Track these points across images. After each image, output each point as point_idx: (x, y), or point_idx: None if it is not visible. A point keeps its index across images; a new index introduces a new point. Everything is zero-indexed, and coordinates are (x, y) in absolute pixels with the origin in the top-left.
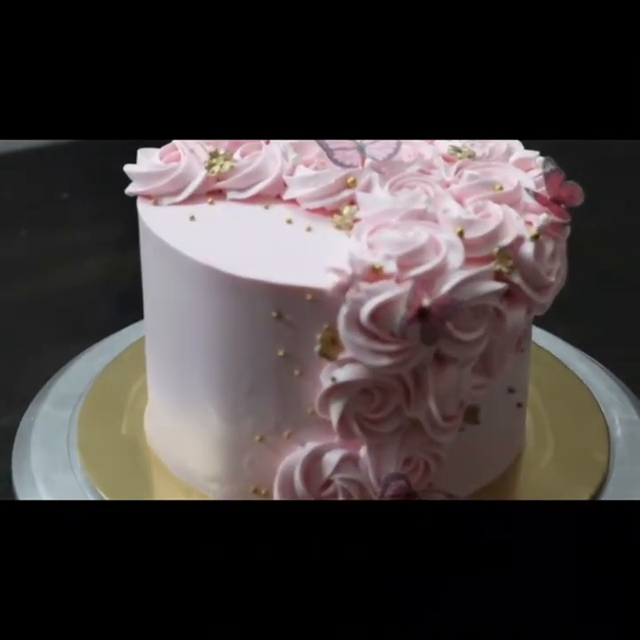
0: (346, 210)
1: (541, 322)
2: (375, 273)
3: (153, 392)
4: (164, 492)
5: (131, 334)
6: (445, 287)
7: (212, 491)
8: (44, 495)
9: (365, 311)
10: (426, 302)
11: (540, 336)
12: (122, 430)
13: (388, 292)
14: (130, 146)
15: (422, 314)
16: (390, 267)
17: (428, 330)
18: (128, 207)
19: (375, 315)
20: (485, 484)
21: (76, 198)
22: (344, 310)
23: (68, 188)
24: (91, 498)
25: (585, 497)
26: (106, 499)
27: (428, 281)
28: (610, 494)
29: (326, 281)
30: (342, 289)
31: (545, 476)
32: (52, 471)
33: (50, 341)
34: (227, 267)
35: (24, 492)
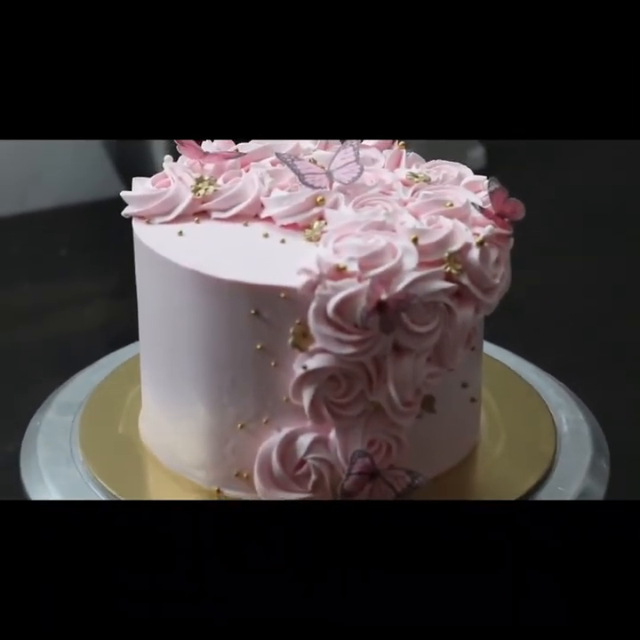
0: (316, 224)
1: (498, 339)
2: (339, 272)
3: (147, 394)
4: (155, 480)
5: (127, 353)
6: (401, 285)
7: (198, 477)
8: (50, 486)
9: (331, 305)
10: (384, 296)
11: (494, 351)
12: (119, 430)
13: (350, 288)
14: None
15: (380, 306)
16: (353, 267)
17: (386, 321)
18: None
19: (340, 308)
20: (444, 470)
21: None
22: (313, 305)
23: (66, 246)
24: (92, 487)
25: (532, 482)
26: (106, 487)
27: (385, 280)
28: (554, 481)
29: (297, 280)
30: (311, 287)
31: (498, 465)
32: (56, 465)
33: (51, 376)
34: (210, 271)
35: (31, 484)
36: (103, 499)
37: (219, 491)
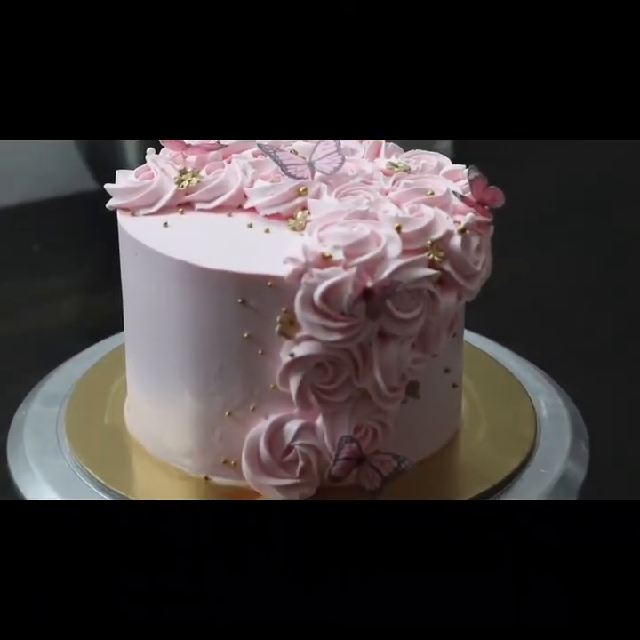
0: (299, 214)
1: (474, 326)
2: (325, 260)
3: (133, 384)
4: (143, 469)
5: (108, 344)
6: (386, 272)
7: (186, 465)
8: (38, 476)
9: (318, 293)
10: (369, 284)
11: (475, 339)
12: (104, 420)
13: (336, 276)
14: (102, 197)
15: (366, 293)
16: (338, 255)
17: (372, 307)
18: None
19: (326, 296)
20: (428, 455)
21: (46, 250)
22: (300, 293)
23: (38, 241)
24: (80, 477)
25: (514, 465)
26: (94, 476)
27: (370, 268)
28: (536, 464)
29: (284, 269)
30: (298, 275)
31: (480, 448)
32: (43, 455)
33: (28, 372)
34: (197, 261)
35: (19, 474)
36: (92, 487)
37: (207, 478)
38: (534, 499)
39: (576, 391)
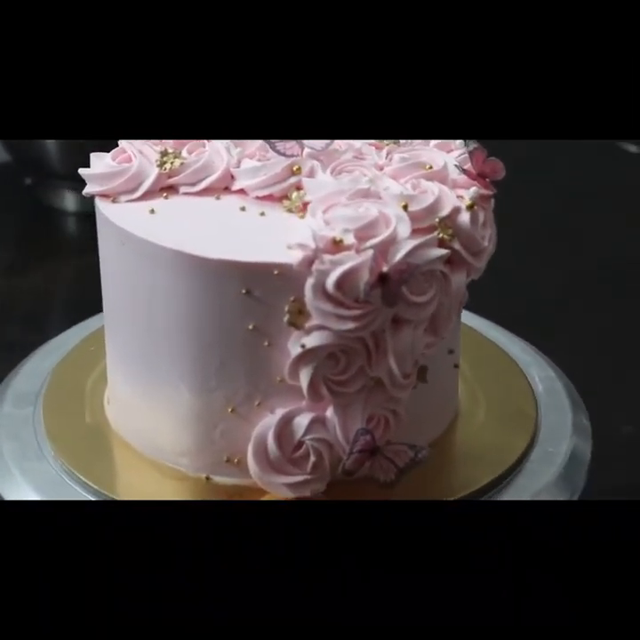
0: (294, 194)
1: None
2: (336, 245)
3: (117, 378)
4: (138, 471)
5: (73, 336)
6: (399, 255)
7: (182, 464)
8: (23, 483)
9: (331, 280)
10: (385, 268)
11: None
12: (86, 419)
13: (350, 261)
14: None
15: (382, 279)
16: (349, 239)
17: (389, 293)
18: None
19: (340, 283)
20: (433, 439)
21: None
22: (311, 281)
23: None
24: (69, 482)
25: (523, 445)
26: (86, 482)
27: (383, 251)
28: (542, 442)
29: (292, 256)
30: (308, 262)
31: (483, 430)
32: (25, 460)
33: None
34: (196, 250)
35: (2, 482)
36: (83, 492)
37: (208, 478)
38: (547, 479)
39: (559, 359)
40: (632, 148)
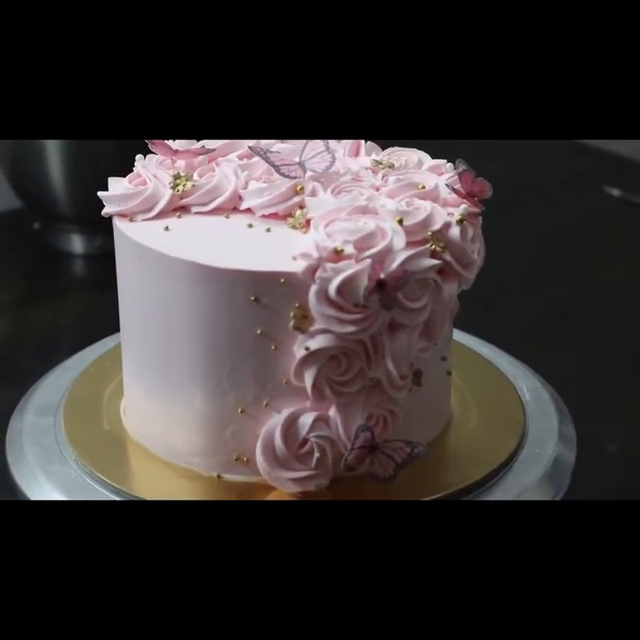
0: (298, 212)
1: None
2: (337, 255)
3: (133, 387)
4: (152, 471)
5: (90, 354)
6: (395, 263)
7: (195, 464)
8: (47, 485)
9: (333, 286)
10: (382, 275)
11: None
12: (104, 427)
13: (350, 269)
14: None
15: (380, 285)
16: (349, 249)
17: (386, 298)
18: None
19: (341, 289)
20: (426, 442)
21: None
22: (314, 288)
23: None
24: (89, 482)
25: (512, 446)
26: (105, 481)
27: (380, 260)
28: (530, 443)
29: (296, 265)
30: (312, 271)
31: (475, 434)
32: (48, 464)
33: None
34: (208, 261)
35: (25, 484)
36: (105, 491)
37: (219, 476)
38: (533, 479)
39: (545, 372)
40: (614, 192)
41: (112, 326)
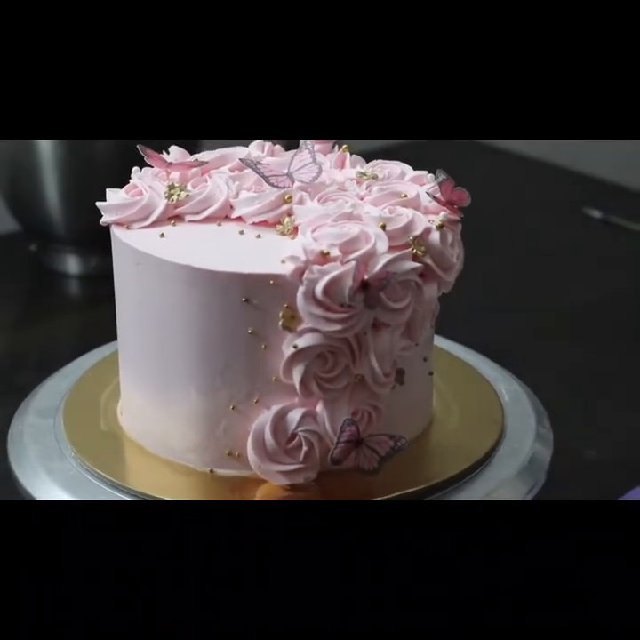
0: (286, 220)
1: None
2: (323, 257)
3: (130, 389)
4: (148, 466)
5: (88, 360)
6: (378, 266)
7: (189, 460)
8: (47, 480)
9: (319, 287)
10: (366, 276)
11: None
12: (101, 427)
13: (336, 271)
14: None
15: (364, 285)
16: (335, 252)
17: (370, 298)
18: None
19: (327, 289)
20: (409, 440)
21: None
22: (302, 289)
23: None
24: (88, 477)
25: (491, 443)
26: (103, 476)
27: (364, 262)
28: (508, 440)
29: (285, 268)
30: (299, 272)
31: (456, 432)
32: (48, 461)
33: None
34: (203, 265)
35: (27, 479)
36: (104, 487)
37: (212, 471)
38: (511, 472)
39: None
40: (595, 214)
41: (107, 342)
